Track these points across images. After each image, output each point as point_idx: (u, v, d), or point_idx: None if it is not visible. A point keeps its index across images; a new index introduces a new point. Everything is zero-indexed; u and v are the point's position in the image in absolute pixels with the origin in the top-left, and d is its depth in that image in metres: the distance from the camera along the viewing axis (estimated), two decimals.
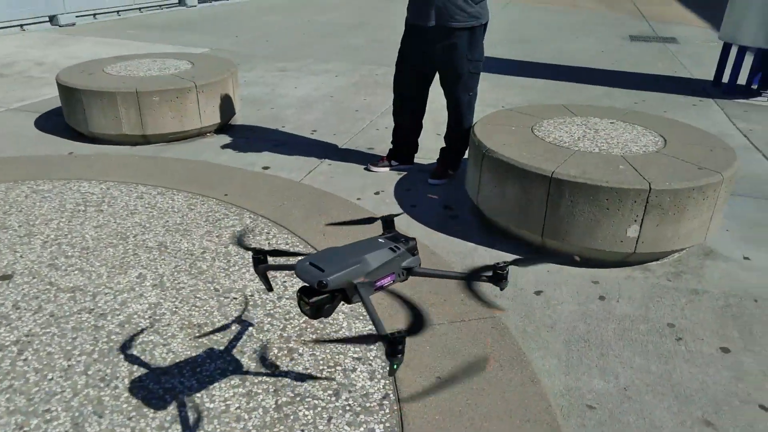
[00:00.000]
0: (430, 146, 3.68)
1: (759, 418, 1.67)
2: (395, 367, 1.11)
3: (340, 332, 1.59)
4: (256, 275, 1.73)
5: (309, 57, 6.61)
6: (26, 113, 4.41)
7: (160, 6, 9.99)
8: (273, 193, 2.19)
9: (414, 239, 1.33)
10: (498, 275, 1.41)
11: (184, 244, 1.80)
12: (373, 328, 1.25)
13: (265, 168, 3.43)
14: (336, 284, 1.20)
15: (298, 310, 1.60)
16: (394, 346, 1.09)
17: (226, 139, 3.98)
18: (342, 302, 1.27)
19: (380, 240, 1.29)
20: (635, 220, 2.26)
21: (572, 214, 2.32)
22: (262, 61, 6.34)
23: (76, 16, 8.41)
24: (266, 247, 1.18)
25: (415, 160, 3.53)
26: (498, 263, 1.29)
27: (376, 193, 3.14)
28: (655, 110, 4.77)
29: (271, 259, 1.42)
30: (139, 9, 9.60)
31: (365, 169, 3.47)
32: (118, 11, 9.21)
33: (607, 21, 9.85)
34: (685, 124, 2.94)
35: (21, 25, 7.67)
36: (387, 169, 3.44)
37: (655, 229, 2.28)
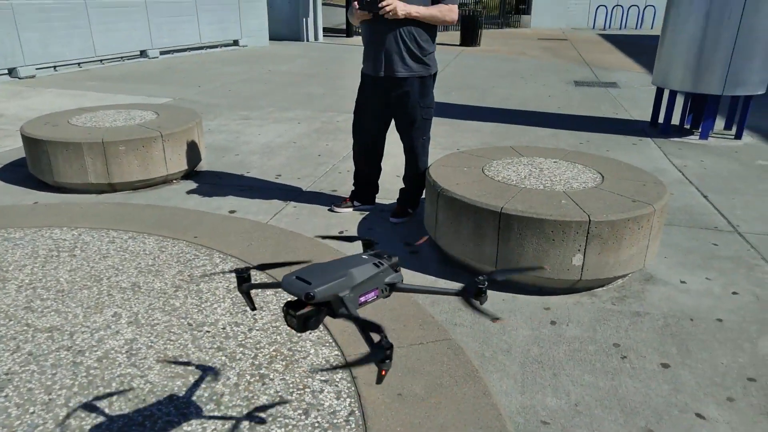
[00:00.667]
0: (390, 187, 3.87)
1: (696, 426, 1.84)
2: (384, 372, 1.18)
3: (308, 358, 1.70)
4: (229, 308, 1.83)
5: (271, 105, 6.82)
6: None
7: (121, 57, 10.12)
8: (241, 234, 2.31)
9: (396, 257, 1.41)
10: (478, 290, 1.52)
11: (157, 283, 1.89)
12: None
13: (232, 212, 3.54)
14: (322, 296, 1.27)
15: (269, 339, 1.70)
16: (384, 353, 1.17)
17: (193, 185, 4.08)
18: (327, 316, 1.34)
19: (364, 256, 1.35)
20: (579, 250, 2.47)
21: (522, 246, 2.52)
22: (225, 110, 6.51)
23: (36, 68, 8.45)
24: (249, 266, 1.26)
25: (377, 201, 3.71)
26: (477, 278, 1.38)
27: (340, 232, 3.29)
28: (599, 149, 5.13)
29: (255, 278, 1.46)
30: (101, 60, 9.70)
31: (329, 210, 3.62)
32: (79, 63, 9.29)
33: (553, 68, 10.50)
34: (620, 162, 3.23)
35: None
36: (350, 209, 3.60)
37: (597, 257, 2.49)
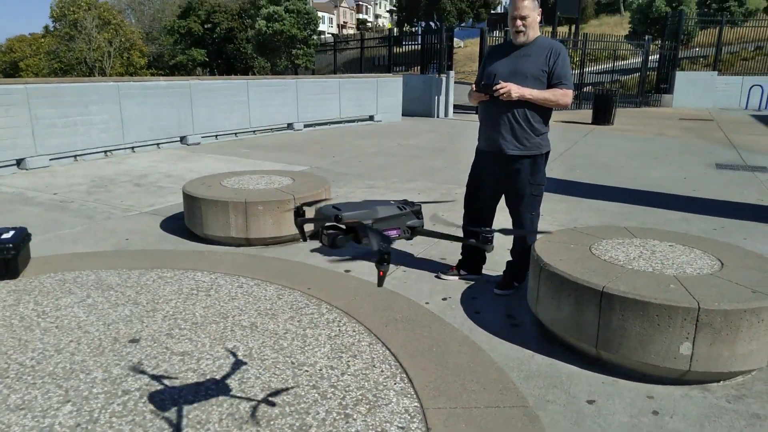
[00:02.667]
0: (498, 259, 3.94)
1: None
2: (382, 272, 1.48)
3: (389, 406, 1.81)
4: (328, 353, 2.04)
5: (395, 176, 7.27)
6: (154, 216, 5.23)
7: (271, 129, 11.43)
8: (348, 290, 2.54)
9: (419, 204, 1.73)
10: (485, 239, 1.77)
11: (271, 325, 2.16)
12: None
13: (347, 271, 3.84)
14: (348, 219, 1.56)
15: (357, 384, 1.87)
16: (382, 256, 1.50)
17: (317, 244, 4.48)
18: (353, 241, 1.71)
19: (391, 201, 1.62)
20: (687, 338, 2.35)
21: (624, 328, 2.46)
22: (353, 179, 7.06)
23: (202, 137, 9.86)
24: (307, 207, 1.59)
25: (483, 271, 3.79)
26: (484, 229, 1.70)
27: (444, 299, 3.41)
28: (733, 237, 4.76)
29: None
30: (254, 131, 11.05)
31: (436, 276, 3.77)
32: (236, 133, 10.67)
33: (693, 149, 9.93)
34: (745, 250, 3.02)
35: (158, 144, 9.12)
36: (456, 278, 3.72)
37: (708, 347, 2.35)
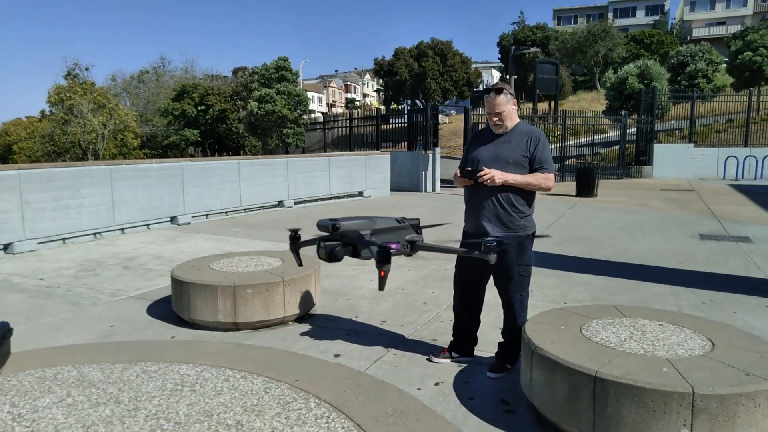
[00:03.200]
0: (490, 339, 3.89)
1: None
2: (383, 273, 1.82)
3: None
4: None
5: None
6: (142, 301, 5.16)
7: (262, 207, 11.55)
8: (337, 381, 2.48)
9: (417, 219, 1.84)
10: (486, 249, 1.84)
11: (257, 423, 2.09)
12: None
13: (337, 356, 3.76)
14: (346, 228, 1.64)
15: None
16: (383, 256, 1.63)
17: (306, 327, 4.42)
18: (351, 256, 1.79)
19: (389, 216, 1.81)
20: (684, 425, 2.30)
21: (620, 414, 2.40)
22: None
23: (192, 217, 9.91)
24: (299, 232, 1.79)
25: (475, 353, 3.74)
26: (485, 239, 1.83)
27: (436, 384, 3.33)
28: (724, 311, 4.76)
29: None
30: (244, 210, 11.15)
31: (427, 359, 3.70)
32: (226, 212, 10.75)
33: (676, 220, 10.13)
34: (735, 329, 3.03)
35: (148, 225, 9.15)
36: (448, 360, 3.66)
37: None
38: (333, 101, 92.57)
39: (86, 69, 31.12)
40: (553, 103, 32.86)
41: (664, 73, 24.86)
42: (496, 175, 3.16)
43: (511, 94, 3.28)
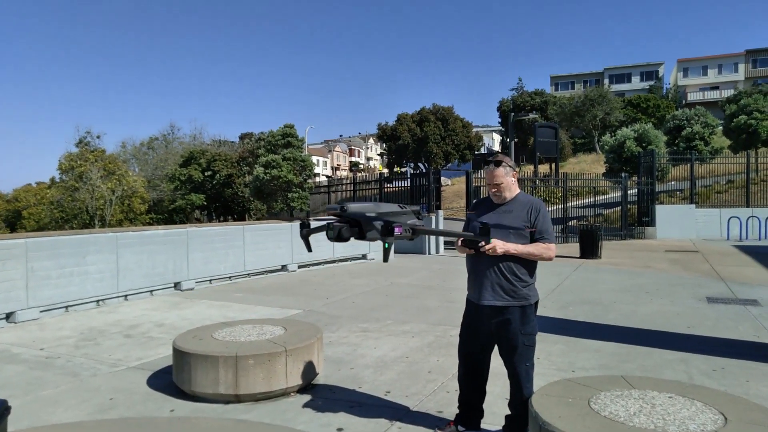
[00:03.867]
0: (498, 411, 3.80)
1: None
2: (386, 246, 2.01)
3: None
4: None
5: (389, 318, 7.22)
6: (142, 371, 5.08)
7: (266, 271, 11.54)
8: None
9: (418, 207, 2.24)
10: (482, 231, 2.36)
11: None
12: None
13: (339, 429, 3.67)
14: (353, 211, 2.06)
15: None
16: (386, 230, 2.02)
17: (308, 398, 4.33)
18: (358, 237, 2.13)
19: (392, 203, 1.93)
20: None
21: None
22: (346, 322, 7.00)
23: (196, 282, 9.90)
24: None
25: (482, 425, 3.63)
26: (481, 222, 1.88)
27: None
28: (736, 379, 4.65)
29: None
30: (248, 274, 11.14)
31: None
32: (230, 277, 10.74)
33: (682, 282, 10.05)
34: (748, 401, 2.95)
35: (151, 291, 9.13)
36: None
37: None
38: (337, 165, 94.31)
39: (98, 137, 32.07)
40: (553, 165, 33.42)
41: (661, 136, 25.40)
42: (497, 245, 3.20)
43: (510, 166, 3.37)
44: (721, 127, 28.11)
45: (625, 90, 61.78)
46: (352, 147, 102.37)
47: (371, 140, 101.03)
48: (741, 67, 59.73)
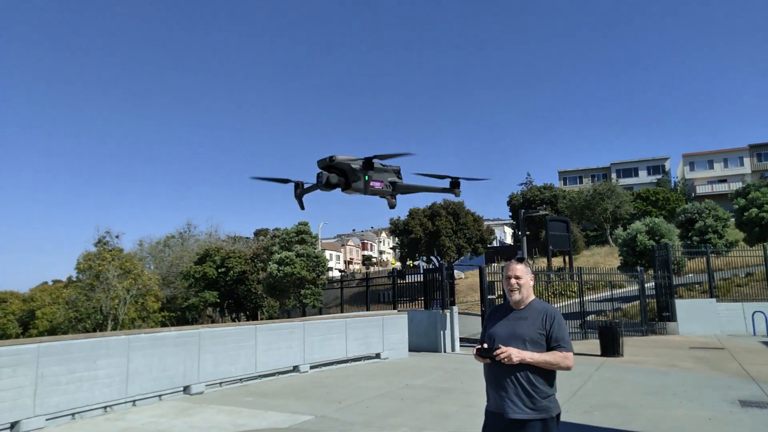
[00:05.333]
0: None
1: None
2: (366, 178, 4.49)
3: None
4: None
5: (404, 424, 6.91)
6: None
7: (277, 372, 11.25)
8: None
9: (399, 167, 3.91)
10: (453, 184, 5.13)
11: None
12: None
13: None
14: (340, 160, 4.20)
15: None
16: (369, 163, 4.44)
17: None
18: (345, 186, 4.25)
19: (375, 160, 3.32)
20: None
21: None
22: (360, 428, 6.70)
23: (206, 385, 9.66)
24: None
25: None
26: (451, 178, 3.83)
27: None
28: None
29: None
30: (259, 376, 10.86)
31: None
32: (241, 379, 10.48)
33: (711, 383, 9.60)
34: None
35: (160, 396, 8.90)
36: None
37: None
38: (350, 258, 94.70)
39: (117, 236, 32.82)
40: (567, 258, 33.21)
41: (673, 229, 25.39)
42: (513, 353, 3.15)
43: (530, 270, 3.45)
44: (732, 220, 28.11)
45: (633, 184, 62.72)
46: (365, 241, 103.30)
47: (384, 234, 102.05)
48: (746, 160, 60.81)
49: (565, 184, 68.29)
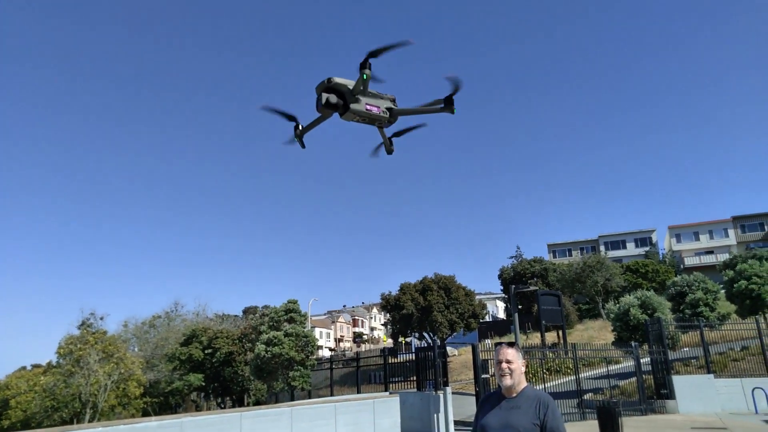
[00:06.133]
0: None
1: None
2: (365, 77, 3.96)
3: None
4: None
5: None
6: None
7: None
8: None
9: (394, 97, 3.87)
10: (447, 102, 4.56)
11: None
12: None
13: None
14: (337, 83, 3.90)
15: None
16: (365, 61, 3.97)
17: None
18: (343, 108, 4.03)
19: (371, 90, 3.55)
20: None
21: None
22: None
23: None
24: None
25: None
26: (447, 97, 3.96)
27: None
28: None
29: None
30: None
31: None
32: None
33: None
34: None
35: None
36: None
37: None
38: (341, 336, 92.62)
39: (101, 318, 31.99)
40: (560, 333, 32.74)
41: (665, 303, 25.30)
42: None
43: (521, 354, 3.41)
44: (723, 292, 28.15)
45: (622, 256, 63.18)
46: (356, 317, 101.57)
47: (375, 310, 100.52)
48: (731, 232, 61.81)
49: (554, 256, 68.68)
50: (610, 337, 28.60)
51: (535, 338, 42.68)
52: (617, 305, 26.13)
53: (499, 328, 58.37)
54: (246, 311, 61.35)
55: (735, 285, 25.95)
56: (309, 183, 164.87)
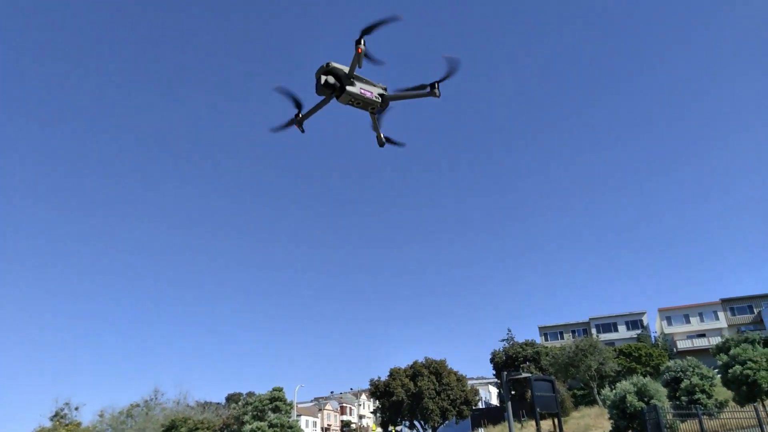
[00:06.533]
0: None
1: None
2: (359, 52, 5.00)
3: None
4: None
5: None
6: None
7: None
8: None
9: (386, 86, 5.25)
10: (433, 87, 6.09)
11: None
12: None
13: None
14: (334, 66, 5.20)
15: None
16: (359, 39, 4.92)
17: None
18: (340, 90, 5.52)
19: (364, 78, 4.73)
20: None
21: None
22: None
23: None
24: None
25: None
26: (432, 83, 5.73)
27: None
28: None
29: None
30: None
31: None
32: None
33: None
34: None
35: None
36: None
37: None
38: (328, 425, 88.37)
39: (76, 408, 30.42)
40: (556, 421, 31.53)
41: (661, 389, 24.72)
42: None
43: None
44: (719, 377, 27.63)
45: (614, 339, 62.32)
46: (344, 404, 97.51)
47: (363, 396, 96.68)
48: (721, 314, 61.57)
49: (546, 339, 67.57)
50: (607, 425, 27.57)
51: (530, 426, 40.99)
52: (613, 391, 25.45)
53: (492, 415, 56.16)
54: (229, 398, 58.96)
55: (730, 370, 25.52)
56: (294, 270, 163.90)
